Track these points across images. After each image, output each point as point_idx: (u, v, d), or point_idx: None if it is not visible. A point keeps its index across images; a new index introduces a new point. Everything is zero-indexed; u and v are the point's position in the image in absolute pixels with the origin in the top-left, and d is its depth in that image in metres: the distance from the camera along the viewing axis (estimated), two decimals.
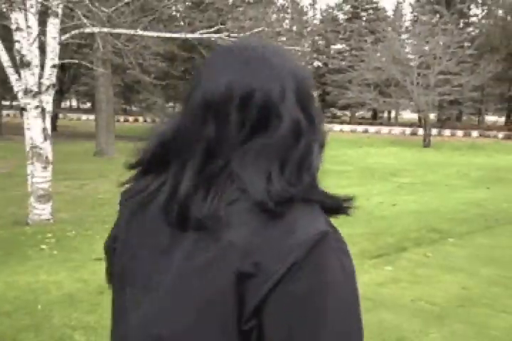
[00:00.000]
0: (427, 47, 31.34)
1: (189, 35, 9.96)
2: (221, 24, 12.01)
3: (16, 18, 7.81)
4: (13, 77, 8.12)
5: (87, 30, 8.86)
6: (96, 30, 8.97)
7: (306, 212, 0.85)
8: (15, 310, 4.20)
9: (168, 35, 11.29)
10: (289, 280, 0.79)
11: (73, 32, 8.80)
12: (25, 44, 7.91)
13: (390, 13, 55.63)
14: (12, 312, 4.14)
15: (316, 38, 53.03)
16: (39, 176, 8.23)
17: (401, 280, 5.46)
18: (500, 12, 46.86)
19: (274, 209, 0.82)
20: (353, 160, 19.39)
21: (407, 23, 51.04)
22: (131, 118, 43.53)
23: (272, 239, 0.81)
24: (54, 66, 8.26)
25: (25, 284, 4.94)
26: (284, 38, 34.13)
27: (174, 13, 26.30)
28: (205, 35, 9.51)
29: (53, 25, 8.18)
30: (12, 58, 8.22)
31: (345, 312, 0.81)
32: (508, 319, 4.41)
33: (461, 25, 44.07)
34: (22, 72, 8.03)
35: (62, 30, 8.61)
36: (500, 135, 35.29)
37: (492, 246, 6.91)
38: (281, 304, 0.79)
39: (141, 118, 43.13)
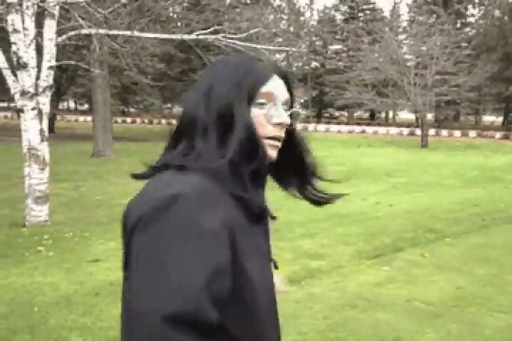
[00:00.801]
0: (424, 48, 31.39)
1: (186, 37, 9.98)
2: (218, 25, 12.04)
3: (13, 19, 7.82)
4: (10, 79, 8.13)
5: (84, 31, 8.87)
6: (93, 31, 8.98)
7: (177, 176, 1.04)
8: (11, 311, 4.22)
9: (165, 36, 11.31)
10: (136, 230, 0.98)
11: (70, 33, 8.80)
12: (22, 46, 7.91)
13: (386, 13, 55.72)
14: (8, 314, 4.15)
15: (313, 38, 53.04)
16: (36, 178, 8.23)
17: (397, 280, 5.48)
18: (497, 12, 46.92)
19: (151, 173, 1.15)
20: (350, 160, 19.41)
21: (404, 24, 51.04)
22: (128, 120, 43.52)
23: (141, 193, 1.08)
24: (51, 67, 8.26)
25: (21, 286, 4.95)
26: (281, 39, 34.13)
27: (171, 14, 26.34)
28: (201, 37, 9.52)
29: (50, 26, 8.19)
30: (9, 60, 8.23)
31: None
32: (502, 318, 4.43)
33: (458, 25, 44.17)
34: (19, 73, 8.03)
35: (59, 32, 8.62)
36: (498, 135, 35.33)
37: (487, 246, 6.93)
38: (132, 248, 0.98)
39: (138, 120, 43.15)
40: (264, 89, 1.11)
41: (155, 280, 0.91)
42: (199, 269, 0.91)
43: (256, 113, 1.10)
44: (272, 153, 1.13)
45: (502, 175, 15.32)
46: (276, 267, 1.24)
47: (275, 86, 1.14)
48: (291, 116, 1.19)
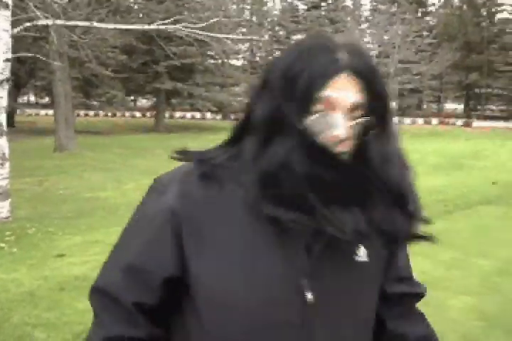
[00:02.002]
0: (386, 37, 31.74)
1: (146, 27, 9.85)
2: (178, 15, 11.90)
3: None
4: None
5: (41, 22, 8.68)
6: (50, 22, 8.79)
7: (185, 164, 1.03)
8: None
9: (125, 26, 11.15)
10: None
11: (26, 24, 8.60)
12: None
13: (349, 2, 55.97)
14: None
15: (276, 28, 53.01)
16: None
17: None
18: (456, 1, 47.67)
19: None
20: None
21: (367, 13, 51.43)
22: (91, 113, 42.86)
23: None
24: (7, 60, 8.05)
25: None
26: (244, 29, 34.03)
27: (131, 4, 25.95)
28: (162, 27, 9.41)
29: (4, 17, 7.96)
30: None
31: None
32: (465, 300, 4.52)
33: (420, 14, 44.68)
34: None
35: (15, 23, 8.41)
36: (459, 122, 36.01)
37: (451, 231, 7.04)
38: None
39: (101, 113, 42.51)
40: (322, 92, 0.90)
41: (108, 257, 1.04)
42: (124, 253, 1.00)
43: (312, 120, 0.91)
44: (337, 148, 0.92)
45: (465, 162, 15.62)
46: None
47: (338, 88, 0.90)
48: (365, 128, 0.93)
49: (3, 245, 6.54)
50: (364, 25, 44.07)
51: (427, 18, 45.69)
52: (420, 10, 46.14)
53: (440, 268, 5.43)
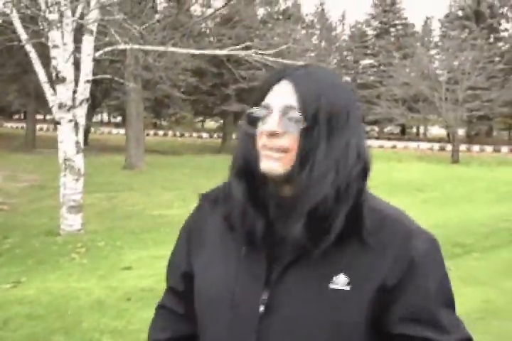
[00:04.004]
0: (455, 63, 31.23)
1: (217, 52, 10.24)
2: (249, 41, 12.27)
3: (53, 36, 8.15)
4: (48, 92, 8.45)
5: (121, 47, 9.18)
6: (128, 47, 9.29)
7: None
8: (48, 313, 4.40)
9: (198, 51, 11.59)
10: None
11: (106, 49, 9.11)
12: (61, 60, 8.24)
13: (418, 28, 55.58)
14: (45, 316, 4.34)
15: (345, 53, 53.20)
16: (71, 188, 8.49)
17: None
18: None
19: None
20: (379, 174, 19.32)
21: (436, 39, 50.83)
22: (160, 133, 44.12)
23: None
24: (88, 81, 8.56)
25: (56, 290, 5.14)
26: (312, 54, 34.34)
27: (204, 29, 26.75)
28: (233, 52, 9.74)
29: (88, 42, 8.50)
30: (48, 74, 8.56)
31: None
32: None
33: (492, 40, 43.78)
34: (57, 87, 8.35)
35: (96, 47, 8.94)
36: None
37: None
38: None
39: (170, 133, 43.69)
40: (265, 100, 1.04)
41: None
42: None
43: (252, 116, 1.05)
44: (267, 164, 1.01)
45: None
46: None
47: (276, 92, 1.03)
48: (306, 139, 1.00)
49: (74, 256, 6.90)
50: (433, 51, 43.57)
51: (499, 44, 44.70)
52: (492, 35, 45.25)
53: (502, 298, 5.33)
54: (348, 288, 1.00)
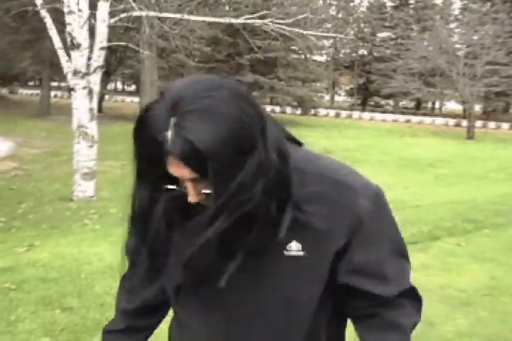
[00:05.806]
0: (475, 37, 30.66)
1: (234, 20, 10.10)
2: (266, 10, 12.10)
3: (68, 1, 8.09)
4: (63, 59, 8.43)
5: (136, 13, 9.10)
6: (144, 14, 9.20)
7: None
8: (61, 277, 4.49)
9: (214, 19, 11.47)
10: None
11: (122, 15, 9.04)
12: (76, 27, 8.19)
13: (438, 0, 54.43)
14: (58, 279, 4.42)
15: (362, 25, 52.34)
16: (84, 154, 8.56)
17: (431, 267, 5.53)
18: None
19: None
20: (393, 149, 19.27)
21: (456, 12, 49.77)
22: None
23: None
24: (102, 48, 8.52)
25: (69, 255, 5.23)
26: (329, 25, 33.87)
27: None
28: (249, 21, 9.63)
29: (103, 8, 8.43)
30: (63, 40, 8.52)
31: None
32: None
33: None
34: (72, 53, 8.32)
35: (111, 14, 8.87)
36: None
37: None
38: None
39: None
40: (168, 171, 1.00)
41: None
42: None
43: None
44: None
45: None
46: None
47: (172, 166, 0.95)
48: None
49: (87, 222, 6.99)
50: (453, 25, 42.74)
51: None
52: None
53: (510, 275, 5.35)
54: (301, 253, 1.05)
